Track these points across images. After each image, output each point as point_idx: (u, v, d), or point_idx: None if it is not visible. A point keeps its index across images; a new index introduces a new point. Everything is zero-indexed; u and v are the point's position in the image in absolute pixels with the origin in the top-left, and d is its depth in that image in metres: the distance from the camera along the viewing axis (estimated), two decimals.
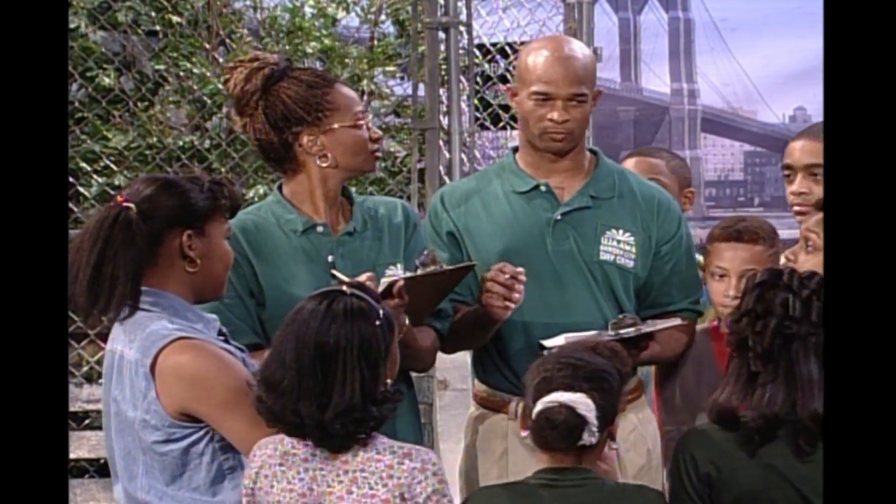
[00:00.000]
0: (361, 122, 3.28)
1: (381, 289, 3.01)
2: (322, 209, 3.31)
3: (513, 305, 3.34)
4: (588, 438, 2.71)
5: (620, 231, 3.53)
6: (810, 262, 3.10)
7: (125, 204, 2.65)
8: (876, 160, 2.42)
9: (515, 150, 3.67)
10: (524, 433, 2.81)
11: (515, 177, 3.58)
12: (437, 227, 3.59)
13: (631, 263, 3.54)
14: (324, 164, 3.28)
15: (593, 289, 3.51)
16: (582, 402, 2.70)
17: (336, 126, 3.27)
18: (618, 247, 3.53)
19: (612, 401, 2.76)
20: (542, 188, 3.55)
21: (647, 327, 3.38)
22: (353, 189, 3.43)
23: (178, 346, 2.61)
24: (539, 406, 2.71)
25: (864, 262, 2.41)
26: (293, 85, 3.27)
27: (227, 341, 2.74)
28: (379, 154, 3.33)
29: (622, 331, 3.33)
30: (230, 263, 2.82)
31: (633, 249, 3.54)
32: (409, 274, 3.16)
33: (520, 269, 3.35)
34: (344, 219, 3.34)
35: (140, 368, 2.62)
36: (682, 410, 3.59)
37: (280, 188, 3.36)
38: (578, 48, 3.58)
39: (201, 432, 2.63)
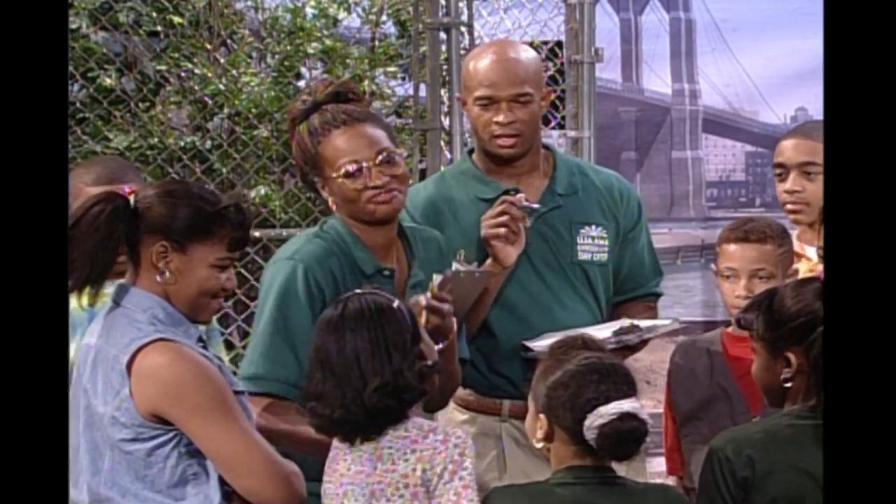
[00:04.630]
0: (346, 174, 3.14)
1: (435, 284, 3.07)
2: (379, 244, 3.23)
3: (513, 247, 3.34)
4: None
5: (593, 227, 3.56)
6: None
7: (124, 195, 2.65)
8: (876, 160, 2.42)
9: (471, 151, 3.64)
10: (540, 445, 2.79)
11: (479, 182, 3.55)
12: None
13: (605, 257, 3.57)
14: (334, 208, 3.22)
15: (576, 286, 3.54)
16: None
17: (329, 175, 3.19)
18: (593, 243, 3.55)
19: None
20: (512, 193, 3.51)
21: (649, 332, 3.39)
22: None
23: (157, 347, 2.61)
24: (600, 419, 2.68)
25: (864, 263, 2.40)
26: (302, 133, 3.22)
27: (205, 348, 2.73)
28: (382, 198, 3.15)
29: (626, 337, 3.33)
30: (211, 291, 2.75)
31: (606, 243, 3.56)
32: (456, 269, 3.14)
33: (519, 195, 3.34)
34: (399, 260, 3.27)
35: (116, 365, 2.62)
36: (697, 416, 3.56)
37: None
38: (521, 50, 3.56)
39: (169, 435, 2.63)
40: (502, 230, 3.34)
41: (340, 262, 3.18)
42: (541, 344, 3.34)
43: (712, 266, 3.64)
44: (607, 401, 2.68)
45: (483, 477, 3.43)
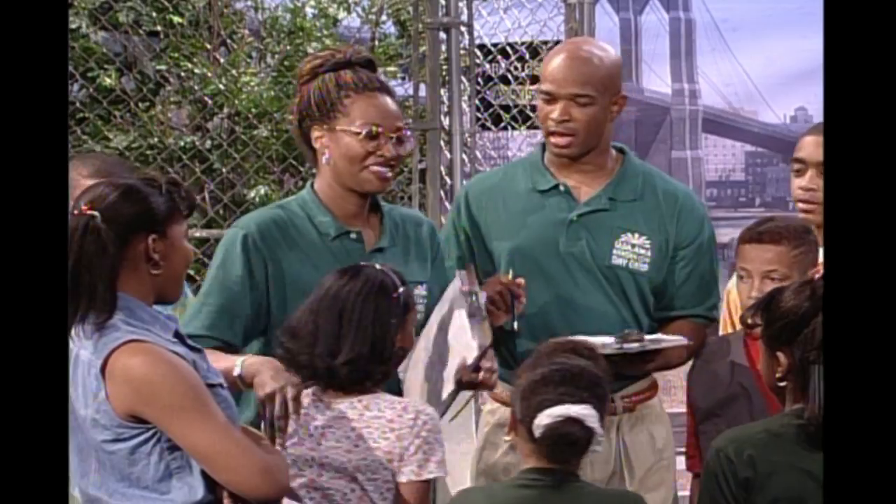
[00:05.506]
0: (366, 135, 3.23)
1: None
2: (346, 211, 3.31)
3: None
4: (595, 447, 2.80)
5: (636, 235, 3.52)
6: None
7: (90, 212, 2.65)
8: (876, 160, 2.41)
9: (545, 145, 3.64)
10: (508, 438, 2.93)
11: (538, 174, 3.57)
12: (456, 222, 3.63)
13: (645, 267, 3.52)
14: (324, 160, 3.29)
15: (606, 291, 3.51)
16: (590, 415, 2.77)
17: (340, 128, 3.25)
18: (632, 251, 3.51)
19: (605, 405, 2.85)
20: (562, 188, 3.53)
21: (652, 344, 3.36)
22: None
23: (129, 348, 2.61)
24: (546, 420, 2.76)
25: (865, 263, 2.39)
26: (327, 81, 3.28)
27: (182, 342, 2.74)
28: (381, 173, 3.25)
29: (626, 345, 3.32)
30: (190, 261, 2.83)
31: (648, 253, 3.52)
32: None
33: (518, 281, 3.35)
34: (371, 229, 3.34)
35: (92, 369, 2.63)
36: (715, 414, 3.52)
37: (312, 185, 3.37)
38: (597, 51, 3.53)
39: (148, 433, 2.64)
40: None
41: (295, 228, 3.28)
42: None
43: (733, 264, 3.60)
44: (560, 404, 2.75)
45: (496, 466, 3.50)
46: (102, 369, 2.62)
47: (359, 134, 3.23)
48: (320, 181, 3.34)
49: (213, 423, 2.62)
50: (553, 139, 3.50)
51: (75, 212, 2.66)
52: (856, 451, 2.37)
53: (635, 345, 3.32)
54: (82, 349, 2.66)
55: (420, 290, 3.31)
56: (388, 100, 3.29)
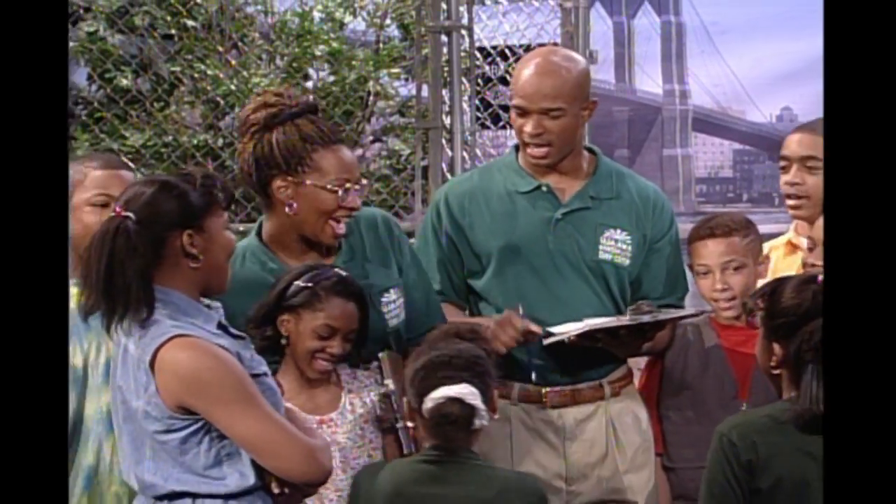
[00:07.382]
0: (337, 189, 3.12)
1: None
2: (299, 251, 3.20)
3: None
4: (479, 422, 2.88)
5: (618, 231, 3.51)
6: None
7: (123, 214, 2.62)
8: (876, 159, 2.35)
9: (518, 147, 3.61)
10: (410, 424, 2.99)
11: (518, 176, 3.54)
12: (437, 226, 3.58)
13: (627, 262, 3.52)
14: (289, 213, 3.15)
15: (592, 284, 3.50)
16: (468, 392, 2.85)
17: (310, 182, 3.12)
18: (616, 246, 3.51)
19: (489, 381, 2.92)
20: (544, 188, 3.52)
21: (664, 315, 3.37)
22: None
23: (175, 343, 2.60)
24: (429, 403, 2.85)
25: (865, 262, 2.34)
26: (289, 131, 3.13)
27: (226, 332, 2.71)
28: (339, 230, 3.15)
29: (639, 317, 3.32)
30: (232, 251, 2.78)
31: (630, 248, 3.52)
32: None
33: (534, 330, 3.32)
34: (329, 254, 3.23)
35: (140, 364, 2.62)
36: (686, 399, 3.56)
37: (258, 232, 3.24)
38: (564, 61, 3.47)
39: (198, 424, 2.63)
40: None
41: (245, 276, 3.14)
42: (561, 329, 3.35)
43: (686, 263, 3.65)
44: (441, 386, 2.84)
45: (493, 454, 3.42)
46: (151, 364, 2.61)
47: (332, 189, 3.11)
48: (272, 226, 3.22)
49: (260, 412, 2.62)
50: (529, 150, 3.48)
51: (112, 213, 2.64)
52: (853, 444, 2.32)
53: (647, 316, 3.32)
54: (130, 342, 2.65)
55: (389, 296, 3.24)
56: (348, 151, 3.19)
